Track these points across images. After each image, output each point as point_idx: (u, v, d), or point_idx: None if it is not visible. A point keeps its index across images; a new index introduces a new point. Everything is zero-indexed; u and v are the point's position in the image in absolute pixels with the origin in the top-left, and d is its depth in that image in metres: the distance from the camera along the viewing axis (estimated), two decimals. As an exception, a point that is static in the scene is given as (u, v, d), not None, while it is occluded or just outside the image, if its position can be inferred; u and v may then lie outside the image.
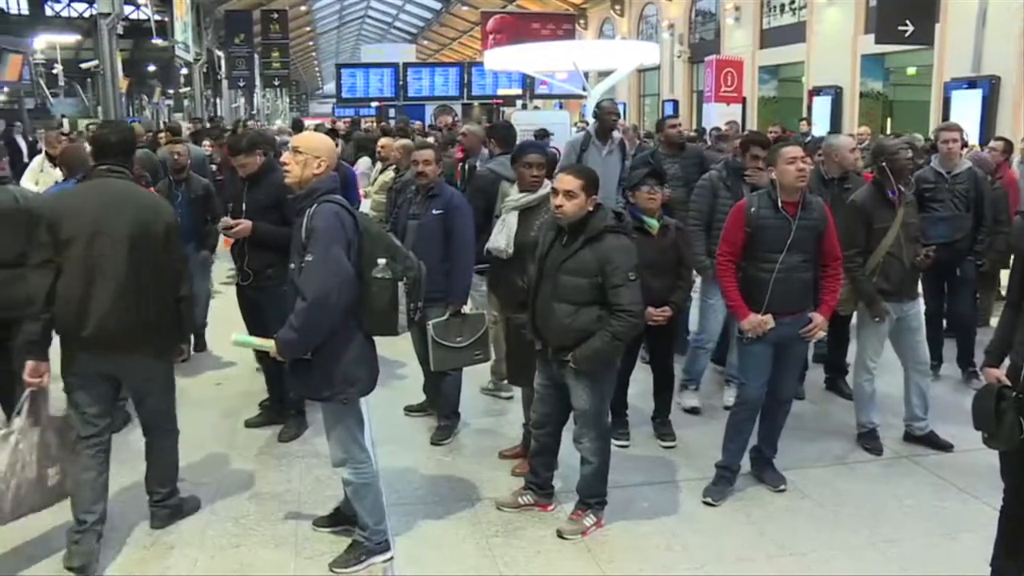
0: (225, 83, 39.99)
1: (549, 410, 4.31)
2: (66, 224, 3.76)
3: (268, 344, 3.70)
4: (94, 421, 3.93)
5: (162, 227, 3.95)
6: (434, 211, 5.14)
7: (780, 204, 4.36)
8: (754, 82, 24.39)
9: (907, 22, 14.70)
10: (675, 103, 27.93)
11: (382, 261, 3.57)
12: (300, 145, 3.73)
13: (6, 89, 26.02)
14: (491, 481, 4.79)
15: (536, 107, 22.68)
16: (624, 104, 32.73)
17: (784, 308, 4.42)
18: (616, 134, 7.91)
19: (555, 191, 4.03)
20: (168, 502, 4.31)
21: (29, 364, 3.77)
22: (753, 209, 4.43)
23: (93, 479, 3.91)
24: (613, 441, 4.50)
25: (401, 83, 24.67)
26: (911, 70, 20.49)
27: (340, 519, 4.18)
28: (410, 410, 5.77)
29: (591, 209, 3.99)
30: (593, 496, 4.26)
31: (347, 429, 3.80)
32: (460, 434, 5.43)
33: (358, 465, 3.84)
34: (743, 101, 19.61)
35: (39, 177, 8.24)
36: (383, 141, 7.37)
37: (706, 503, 4.53)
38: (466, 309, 5.08)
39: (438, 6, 45.44)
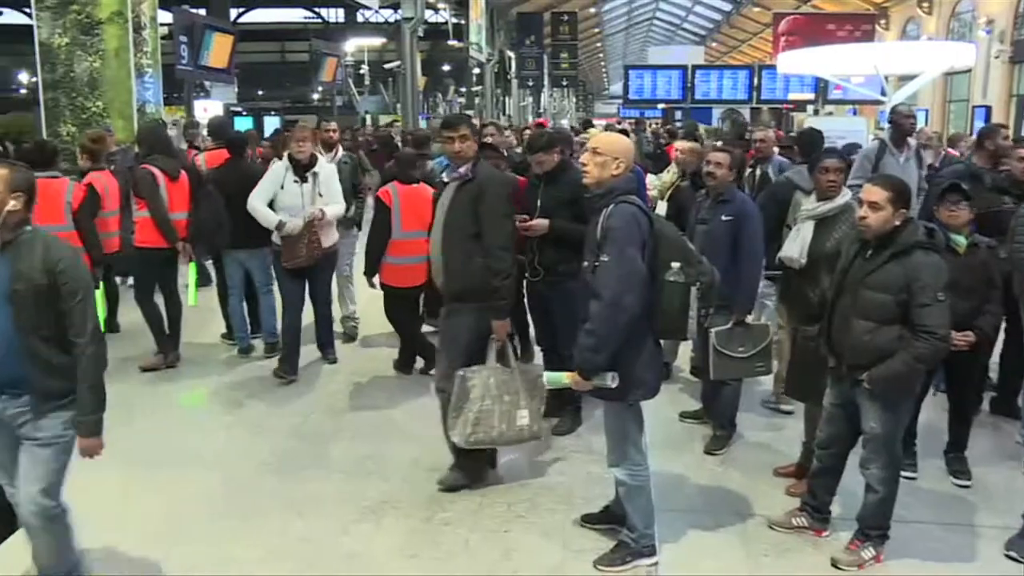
0: (515, 82, 41.66)
1: (837, 431, 4.09)
2: None
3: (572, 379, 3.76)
4: None
5: None
6: (723, 217, 5.04)
7: None
8: (1092, 83, 21.56)
9: None
10: (987, 109, 25.47)
11: (676, 265, 3.56)
12: (600, 146, 3.77)
13: (320, 89, 28.74)
14: (764, 497, 4.63)
15: (829, 113, 21.62)
16: (926, 111, 30.32)
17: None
18: (912, 140, 7.40)
19: (860, 202, 3.83)
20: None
21: (497, 324, 4.52)
22: None
23: None
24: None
25: (689, 85, 24.40)
26: None
27: (609, 517, 4.23)
28: (685, 416, 5.72)
29: (898, 223, 3.75)
30: (875, 528, 3.99)
31: (628, 431, 3.84)
32: (735, 446, 5.30)
33: (634, 467, 3.86)
34: (1075, 105, 17.40)
35: (279, 194, 6.31)
36: (677, 144, 7.33)
37: (1009, 557, 4.07)
38: (750, 319, 4.95)
39: (728, 7, 44.53)
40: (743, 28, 46.87)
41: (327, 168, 6.61)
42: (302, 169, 6.39)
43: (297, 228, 6.28)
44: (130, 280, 7.85)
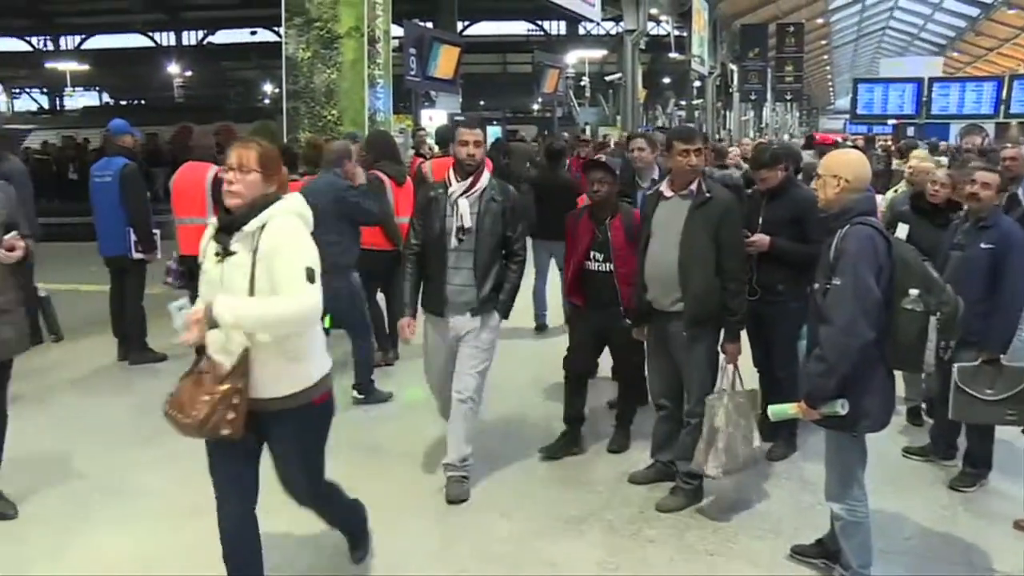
0: (736, 96, 40.79)
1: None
2: None
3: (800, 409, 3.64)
4: None
5: None
6: (983, 244, 4.61)
7: None
8: None
9: None
10: None
11: (914, 292, 3.35)
12: (820, 168, 3.71)
13: (541, 100, 29.40)
14: (1000, 552, 4.20)
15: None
16: None
17: None
18: None
19: None
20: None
21: (732, 346, 4.54)
22: None
23: None
24: None
25: (924, 99, 22.92)
26: None
27: (822, 551, 4.02)
28: (909, 452, 5.32)
29: None
30: None
31: (849, 463, 3.64)
32: (973, 489, 4.85)
33: (854, 503, 3.65)
34: None
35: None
36: (913, 162, 6.83)
37: None
38: (1005, 360, 4.45)
39: (975, 12, 41.47)
40: (991, 35, 43.56)
41: (276, 227, 3.20)
42: (225, 232, 3.27)
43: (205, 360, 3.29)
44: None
